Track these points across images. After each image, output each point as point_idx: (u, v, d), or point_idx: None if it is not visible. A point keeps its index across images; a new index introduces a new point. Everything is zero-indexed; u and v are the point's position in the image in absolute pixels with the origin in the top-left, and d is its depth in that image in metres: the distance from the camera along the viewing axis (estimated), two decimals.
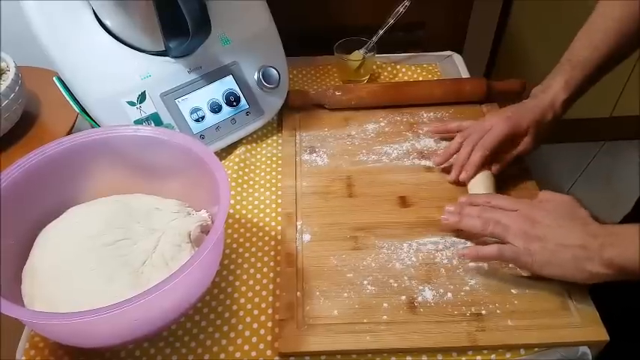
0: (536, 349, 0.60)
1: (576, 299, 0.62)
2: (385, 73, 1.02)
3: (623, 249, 0.56)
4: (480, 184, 0.74)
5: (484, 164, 0.75)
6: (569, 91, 0.75)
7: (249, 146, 0.86)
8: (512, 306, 0.62)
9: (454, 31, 1.14)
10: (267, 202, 0.78)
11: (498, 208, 0.66)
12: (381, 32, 0.97)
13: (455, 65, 1.03)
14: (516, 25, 1.52)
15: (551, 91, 0.75)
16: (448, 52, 1.06)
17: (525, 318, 0.61)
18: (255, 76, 0.85)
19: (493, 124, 0.75)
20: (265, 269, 0.69)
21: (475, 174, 0.74)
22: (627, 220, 0.90)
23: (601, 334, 0.60)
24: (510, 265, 0.66)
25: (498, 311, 0.62)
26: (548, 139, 0.78)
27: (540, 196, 0.67)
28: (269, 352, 0.60)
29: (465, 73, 1.01)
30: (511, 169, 0.79)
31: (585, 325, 0.60)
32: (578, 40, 0.76)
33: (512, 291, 0.64)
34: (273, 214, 0.76)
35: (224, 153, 0.85)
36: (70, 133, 0.90)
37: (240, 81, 0.84)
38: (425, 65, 1.03)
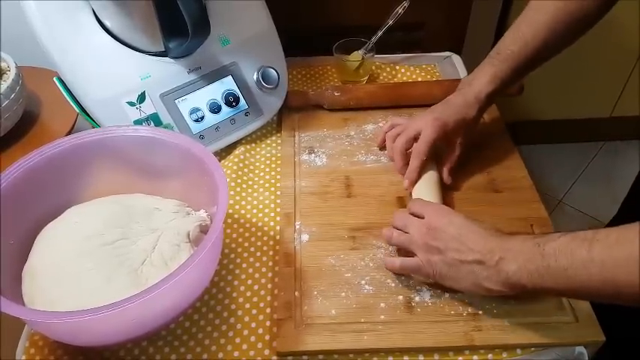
0: (532, 348, 0.60)
1: (573, 299, 0.63)
2: (384, 74, 1.02)
3: (517, 265, 0.54)
4: (423, 184, 0.75)
5: (423, 168, 0.76)
6: (494, 84, 0.75)
7: (248, 146, 0.87)
8: (508, 306, 0.62)
9: (453, 32, 1.15)
10: (266, 202, 0.78)
11: (412, 213, 0.66)
12: (380, 33, 0.97)
13: (454, 66, 1.03)
14: None
15: (476, 85, 0.76)
16: (447, 53, 1.06)
17: (522, 318, 0.61)
18: (255, 77, 0.85)
19: (422, 126, 0.75)
20: (264, 269, 0.69)
21: (418, 179, 0.75)
22: (614, 222, 0.91)
23: (597, 334, 0.60)
24: None
25: (495, 311, 0.62)
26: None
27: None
28: (267, 352, 0.61)
29: (463, 74, 1.01)
30: (508, 171, 0.79)
31: (582, 325, 0.61)
32: (509, 33, 0.76)
33: None
34: (272, 214, 0.76)
35: (223, 153, 0.85)
36: (70, 133, 0.90)
37: (239, 81, 0.84)
38: (424, 66, 1.03)
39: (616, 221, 0.90)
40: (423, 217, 0.63)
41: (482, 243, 0.57)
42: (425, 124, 0.75)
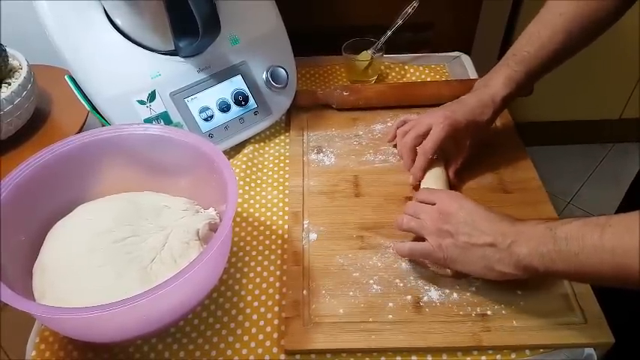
0: (541, 350, 0.60)
1: (582, 300, 0.62)
2: (393, 74, 1.02)
3: (529, 249, 0.54)
4: (430, 180, 0.75)
5: (430, 166, 0.76)
6: (510, 88, 0.74)
7: (256, 145, 0.87)
8: (517, 307, 0.62)
9: (462, 32, 1.14)
10: (275, 201, 0.78)
11: (421, 201, 0.66)
12: (389, 33, 0.97)
13: (463, 66, 1.03)
14: (525, 26, 1.51)
15: (492, 86, 0.75)
16: (456, 53, 1.06)
17: (531, 319, 0.61)
18: (264, 76, 0.86)
19: (432, 123, 0.75)
20: (272, 267, 0.69)
21: (422, 177, 0.76)
22: None
23: (607, 336, 0.60)
24: None
25: (504, 312, 0.62)
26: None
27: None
28: (275, 350, 0.61)
29: (473, 74, 1.01)
30: (517, 172, 0.79)
31: (591, 327, 0.60)
32: (525, 35, 0.75)
33: (518, 292, 0.64)
34: (280, 213, 0.76)
35: (232, 152, 0.86)
36: (80, 131, 0.91)
37: (248, 81, 0.85)
38: (433, 66, 1.03)
39: None
40: (433, 204, 0.63)
41: (494, 226, 0.58)
42: (436, 121, 0.75)
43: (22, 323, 0.65)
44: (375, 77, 0.99)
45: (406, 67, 1.03)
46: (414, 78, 1.01)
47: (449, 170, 0.77)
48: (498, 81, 0.75)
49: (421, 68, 1.02)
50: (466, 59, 1.05)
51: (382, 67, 1.01)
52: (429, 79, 1.00)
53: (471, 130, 0.75)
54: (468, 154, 0.77)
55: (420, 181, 0.76)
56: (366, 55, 0.97)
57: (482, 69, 1.04)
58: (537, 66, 0.73)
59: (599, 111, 1.84)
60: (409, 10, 0.96)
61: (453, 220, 0.60)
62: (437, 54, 1.06)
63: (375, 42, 0.97)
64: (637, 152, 1.90)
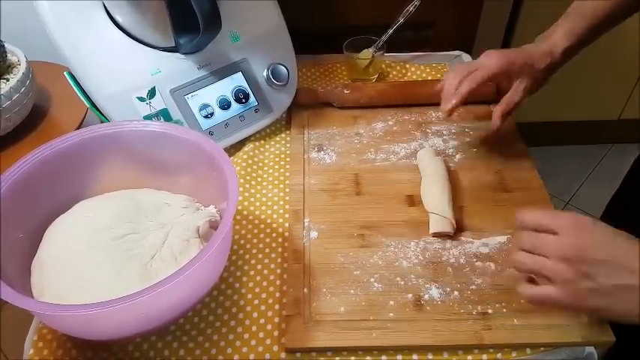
0: (542, 348, 0.60)
1: None
2: (394, 72, 1.02)
3: None
4: (430, 182, 0.75)
5: (469, 97, 0.73)
6: (570, 40, 0.72)
7: (257, 143, 0.87)
8: (518, 305, 0.62)
9: (463, 31, 1.14)
10: (275, 199, 0.78)
11: (536, 228, 0.52)
12: (390, 31, 0.97)
13: None
14: (526, 25, 1.52)
15: (552, 38, 0.73)
16: (457, 52, 1.06)
17: (531, 317, 0.61)
18: (265, 74, 0.85)
19: (487, 59, 0.73)
20: (272, 265, 0.69)
21: (460, 104, 0.73)
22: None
23: (607, 335, 0.60)
24: None
25: (505, 310, 0.62)
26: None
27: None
28: (276, 348, 0.61)
29: None
30: (518, 171, 0.79)
31: (591, 325, 0.60)
32: None
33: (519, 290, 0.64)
34: (281, 211, 0.76)
35: (232, 150, 0.85)
36: (79, 127, 0.90)
37: (249, 78, 0.84)
38: (434, 65, 1.03)
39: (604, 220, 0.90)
40: (554, 234, 0.50)
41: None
42: (491, 56, 0.73)
43: (20, 323, 0.64)
44: (376, 76, 0.99)
45: (407, 66, 1.03)
46: (415, 77, 1.01)
47: (495, 110, 0.75)
48: (559, 33, 0.73)
49: (422, 67, 1.02)
50: (467, 58, 1.05)
51: (383, 66, 1.01)
52: (430, 78, 1.00)
53: (526, 74, 0.73)
54: (520, 99, 0.74)
55: (454, 109, 0.73)
56: (367, 54, 0.96)
57: None
58: (599, 19, 0.71)
59: (598, 111, 1.84)
60: (411, 8, 0.96)
61: (588, 258, 0.48)
62: (438, 53, 1.06)
63: (376, 40, 0.97)
64: (636, 153, 1.90)
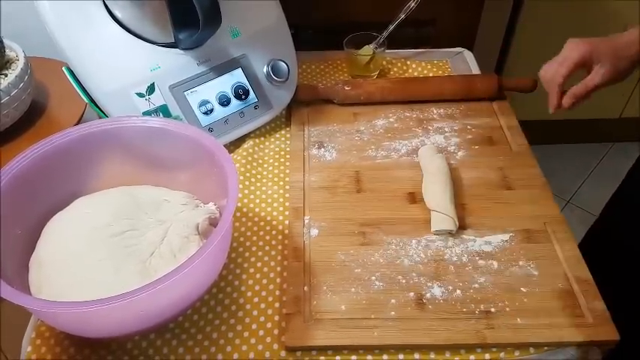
0: (545, 347, 0.59)
1: (587, 298, 0.62)
2: (395, 69, 1.01)
3: None
4: (431, 179, 0.75)
5: (560, 88, 0.73)
6: None
7: (257, 140, 0.86)
8: (521, 304, 0.62)
9: (465, 28, 1.13)
10: (275, 196, 0.77)
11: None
12: (391, 27, 0.96)
13: (465, 62, 1.02)
14: (527, 22, 1.51)
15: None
16: (459, 49, 1.05)
17: (535, 316, 0.60)
18: (265, 70, 0.85)
19: (571, 47, 0.73)
20: (273, 263, 0.68)
21: (559, 95, 0.74)
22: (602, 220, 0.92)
23: (611, 334, 0.59)
24: (520, 263, 0.66)
25: (507, 309, 0.61)
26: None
27: None
28: (276, 346, 0.60)
29: (475, 70, 1.00)
30: (521, 168, 0.78)
31: (596, 325, 0.60)
32: None
33: (522, 289, 0.63)
34: (281, 209, 0.75)
35: (232, 146, 0.85)
36: (78, 123, 0.89)
37: (249, 74, 0.84)
38: (435, 61, 1.02)
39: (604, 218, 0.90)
40: None
41: None
42: (575, 44, 0.72)
43: (19, 322, 0.64)
44: (377, 72, 0.98)
45: (408, 63, 1.02)
46: (416, 73, 1.00)
47: (569, 91, 0.74)
48: None
49: (423, 64, 1.02)
50: (468, 55, 1.04)
51: (384, 63, 1.01)
52: (431, 75, 0.99)
53: (608, 60, 0.71)
54: (600, 83, 0.72)
55: (558, 106, 0.75)
56: (367, 50, 0.96)
57: (485, 65, 1.03)
58: None
59: (599, 110, 1.83)
60: (412, 4, 0.95)
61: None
62: (439, 49, 1.05)
63: (377, 37, 0.96)
64: (637, 152, 1.89)
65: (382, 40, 0.96)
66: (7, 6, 1.05)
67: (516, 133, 0.85)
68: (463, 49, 1.05)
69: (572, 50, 0.71)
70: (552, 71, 0.73)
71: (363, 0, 1.07)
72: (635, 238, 0.85)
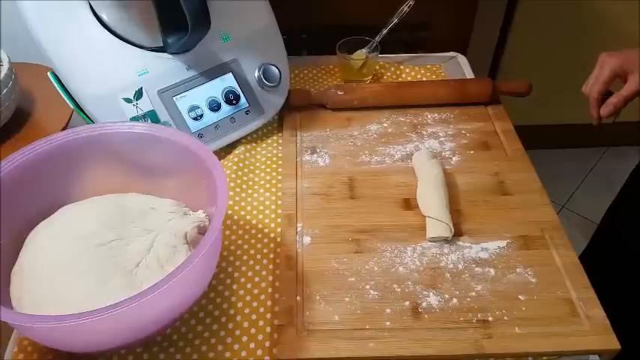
0: (544, 357, 0.58)
1: (587, 306, 0.60)
2: (388, 74, 1.00)
3: None
4: (426, 186, 0.73)
5: (599, 101, 0.76)
6: None
7: (248, 146, 0.84)
8: (519, 313, 0.60)
9: (458, 32, 1.13)
10: (267, 203, 0.76)
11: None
12: (384, 31, 0.95)
13: (459, 66, 1.01)
14: (521, 26, 1.50)
15: None
16: (452, 53, 1.04)
17: (533, 325, 0.59)
18: (256, 74, 0.83)
19: (602, 63, 0.76)
20: (264, 272, 0.67)
21: (597, 114, 0.77)
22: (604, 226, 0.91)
23: (612, 343, 0.58)
24: (518, 270, 0.64)
25: (506, 318, 0.60)
26: None
27: None
28: (267, 359, 0.58)
29: (469, 74, 0.99)
30: (516, 173, 0.77)
31: (596, 333, 0.58)
32: None
33: (520, 297, 0.62)
34: (273, 216, 0.74)
35: (223, 153, 0.83)
36: (64, 130, 0.87)
37: (240, 79, 0.82)
38: (429, 66, 1.01)
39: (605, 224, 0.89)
40: None
41: None
42: (610, 56, 0.75)
43: (5, 329, 0.61)
44: (370, 77, 0.97)
45: (402, 67, 1.01)
46: (409, 78, 0.99)
47: (612, 99, 0.75)
48: None
49: (417, 68, 1.00)
50: (462, 59, 1.03)
51: (377, 67, 0.99)
52: (424, 79, 0.98)
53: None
54: (637, 90, 0.73)
55: (599, 116, 0.77)
56: (361, 55, 0.95)
57: (479, 69, 1.03)
58: None
59: None
60: (405, 8, 0.94)
61: None
62: (433, 54, 1.04)
63: (370, 41, 0.95)
64: (631, 155, 1.90)
65: (375, 44, 0.95)
66: None
67: (511, 137, 0.84)
68: (457, 53, 1.04)
69: (604, 66, 0.74)
70: (589, 88, 0.77)
71: (357, 4, 1.06)
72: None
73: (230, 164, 0.81)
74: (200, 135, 0.78)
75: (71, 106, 0.74)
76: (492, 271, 0.64)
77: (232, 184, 0.77)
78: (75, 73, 0.73)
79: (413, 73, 1.00)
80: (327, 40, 0.96)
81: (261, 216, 0.74)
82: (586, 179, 1.89)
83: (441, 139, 0.84)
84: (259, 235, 0.71)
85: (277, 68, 0.84)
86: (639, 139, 1.84)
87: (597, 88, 0.75)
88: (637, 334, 0.63)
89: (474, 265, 0.65)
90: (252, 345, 0.59)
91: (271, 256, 0.68)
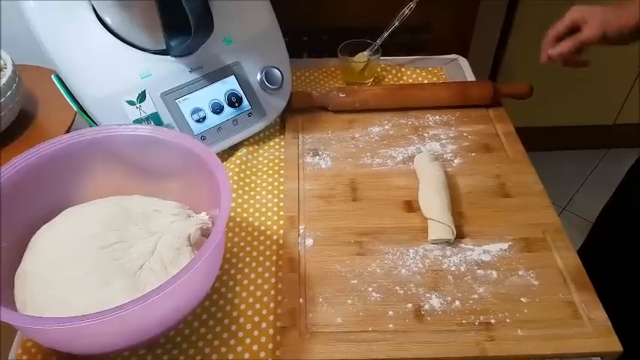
0: (547, 359, 0.58)
1: (589, 308, 0.60)
2: (390, 76, 1.00)
3: None
4: (427, 187, 0.74)
5: (553, 45, 0.76)
6: None
7: (250, 148, 0.84)
8: (522, 315, 0.60)
9: (459, 35, 1.13)
10: (269, 205, 0.76)
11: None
12: (385, 34, 0.95)
13: (460, 68, 1.01)
14: (521, 28, 1.51)
15: None
16: (453, 56, 1.04)
17: (536, 327, 0.59)
18: (258, 77, 0.83)
19: (568, 13, 0.76)
20: (267, 274, 0.67)
21: (548, 48, 0.77)
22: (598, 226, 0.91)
23: (614, 345, 0.58)
24: (520, 273, 0.64)
25: (508, 320, 0.60)
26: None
27: None
28: None
29: (470, 77, 0.99)
30: (518, 175, 0.77)
31: (598, 335, 0.58)
32: None
33: (522, 299, 0.62)
34: (275, 218, 0.74)
35: (225, 155, 0.83)
36: (67, 132, 0.88)
37: (242, 81, 0.82)
38: (430, 68, 1.01)
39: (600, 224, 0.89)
40: None
41: None
42: (568, 12, 0.75)
43: (6, 337, 0.62)
44: (372, 79, 0.97)
45: (403, 70, 1.01)
46: (410, 80, 0.99)
47: (569, 42, 0.75)
48: None
49: (418, 71, 1.01)
50: (463, 62, 1.03)
51: (379, 70, 1.00)
52: (425, 82, 0.98)
53: (599, 18, 0.72)
54: (587, 38, 0.73)
55: (546, 59, 0.77)
56: (362, 57, 0.95)
57: (480, 71, 1.03)
58: None
59: (593, 116, 1.84)
60: (406, 11, 0.94)
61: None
62: (434, 56, 1.04)
63: (371, 44, 0.95)
64: (631, 158, 1.89)
65: (376, 47, 0.95)
66: None
67: (513, 139, 0.84)
68: (458, 55, 1.04)
69: (567, 15, 0.75)
70: (549, 31, 0.78)
71: (358, 7, 1.06)
72: (635, 244, 0.84)
73: (232, 166, 0.81)
74: (203, 137, 0.79)
75: (74, 108, 0.75)
76: (494, 273, 0.65)
77: (235, 186, 0.77)
78: (79, 76, 0.73)
79: (414, 76, 1.00)
80: (328, 43, 0.96)
81: (263, 218, 0.74)
82: (587, 181, 1.89)
83: (443, 141, 0.84)
84: (262, 237, 0.71)
85: (279, 71, 0.84)
86: (639, 141, 1.84)
87: (553, 33, 0.76)
88: (632, 333, 0.63)
89: (476, 268, 0.65)
90: (255, 347, 0.59)
91: (274, 258, 0.69)
